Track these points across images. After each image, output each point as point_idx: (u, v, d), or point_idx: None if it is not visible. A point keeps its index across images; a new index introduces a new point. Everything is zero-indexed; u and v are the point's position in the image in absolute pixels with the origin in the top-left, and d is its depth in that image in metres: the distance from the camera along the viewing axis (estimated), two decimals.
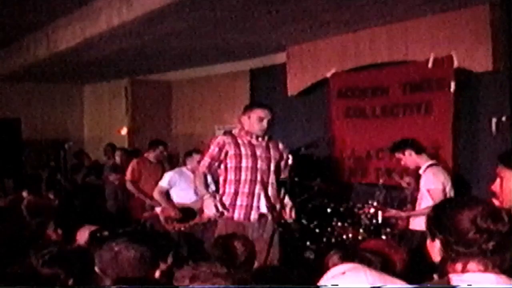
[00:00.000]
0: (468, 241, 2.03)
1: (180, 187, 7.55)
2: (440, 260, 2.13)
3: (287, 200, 5.47)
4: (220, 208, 5.19)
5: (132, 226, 8.18)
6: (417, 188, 6.28)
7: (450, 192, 6.02)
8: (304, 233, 7.66)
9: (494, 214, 2.06)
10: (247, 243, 3.99)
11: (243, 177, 5.28)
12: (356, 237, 7.03)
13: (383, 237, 6.67)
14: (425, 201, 5.97)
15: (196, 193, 7.35)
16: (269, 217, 5.29)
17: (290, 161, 5.41)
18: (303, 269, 6.43)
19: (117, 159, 10.64)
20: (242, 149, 5.30)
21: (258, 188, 5.28)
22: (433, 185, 5.95)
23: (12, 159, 12.29)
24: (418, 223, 5.78)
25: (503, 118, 6.72)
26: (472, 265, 2.04)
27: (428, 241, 2.19)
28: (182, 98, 13.09)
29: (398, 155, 6.32)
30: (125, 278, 2.91)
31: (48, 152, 12.83)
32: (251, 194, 5.27)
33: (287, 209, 5.42)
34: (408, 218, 6.31)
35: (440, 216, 2.16)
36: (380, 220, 6.82)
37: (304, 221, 7.67)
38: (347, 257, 3.01)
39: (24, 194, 7.43)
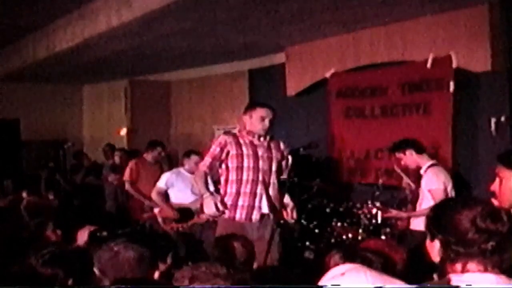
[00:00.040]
0: (467, 241, 2.03)
1: (177, 187, 7.55)
2: (439, 260, 2.13)
3: (288, 200, 5.46)
4: (221, 207, 5.17)
5: (131, 226, 8.17)
6: (417, 188, 6.25)
7: (451, 192, 5.98)
8: (303, 233, 7.66)
9: (493, 214, 2.06)
10: (247, 243, 3.98)
11: (244, 177, 5.26)
12: (355, 237, 7.03)
13: (383, 237, 6.66)
14: (426, 202, 5.94)
15: (194, 193, 7.38)
16: (271, 217, 5.28)
17: (289, 161, 5.41)
18: (303, 269, 6.45)
19: (117, 159, 10.64)
20: (244, 149, 5.29)
21: (259, 188, 5.27)
22: (434, 185, 5.91)
23: (11, 159, 12.31)
24: (419, 224, 5.76)
25: (502, 118, 6.72)
26: (471, 265, 2.04)
27: (428, 241, 2.19)
28: (181, 99, 13.10)
29: (399, 155, 6.28)
30: (124, 279, 2.91)
31: (47, 153, 12.82)
32: (253, 194, 5.25)
33: (289, 210, 5.41)
34: (408, 218, 6.29)
35: (439, 216, 2.16)
36: (379, 220, 6.81)
37: (303, 221, 7.67)
38: (348, 257, 3.01)
39: (24, 194, 7.44)
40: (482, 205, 2.09)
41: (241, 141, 5.34)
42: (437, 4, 6.93)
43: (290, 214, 5.42)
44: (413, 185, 6.49)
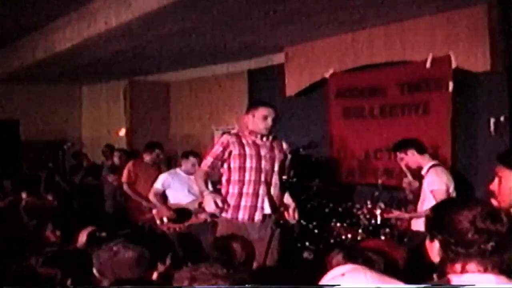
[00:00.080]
0: (467, 241, 2.03)
1: (174, 188, 7.56)
2: (439, 261, 2.13)
3: (290, 200, 5.44)
4: (220, 204, 5.10)
5: (130, 227, 8.17)
6: (418, 188, 6.22)
7: (453, 193, 5.93)
8: (303, 234, 7.66)
9: (493, 214, 2.06)
10: (246, 244, 3.98)
11: (247, 177, 5.23)
12: (355, 237, 7.03)
13: (382, 237, 6.66)
14: (428, 202, 5.88)
15: (191, 193, 7.38)
16: (273, 218, 5.26)
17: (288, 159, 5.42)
18: (302, 270, 6.45)
19: (116, 160, 10.63)
20: (247, 149, 5.26)
21: (262, 188, 5.25)
22: (436, 186, 5.86)
23: (11, 160, 12.30)
24: (420, 224, 5.73)
25: (502, 118, 6.72)
26: (471, 265, 2.04)
27: (427, 242, 2.19)
28: (180, 99, 13.09)
29: (400, 154, 6.24)
30: (123, 280, 2.91)
31: (46, 153, 12.82)
32: (255, 194, 5.23)
33: (290, 210, 5.37)
34: (410, 219, 6.25)
35: (439, 216, 2.16)
36: (379, 221, 6.80)
37: (303, 222, 7.66)
38: (350, 256, 3.00)
39: (23, 195, 7.43)
40: (481, 206, 2.09)
41: (244, 141, 5.31)
42: (436, 4, 6.94)
43: (291, 215, 5.39)
44: (415, 183, 6.44)
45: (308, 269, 6.70)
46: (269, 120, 5.27)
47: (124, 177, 8.61)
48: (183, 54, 10.14)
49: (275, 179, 5.33)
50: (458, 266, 2.06)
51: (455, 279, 2.04)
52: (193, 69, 12.05)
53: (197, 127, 12.49)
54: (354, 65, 8.49)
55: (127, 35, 8.07)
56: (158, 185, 7.59)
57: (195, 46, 9.44)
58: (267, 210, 5.25)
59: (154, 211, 7.57)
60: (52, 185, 10.54)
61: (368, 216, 6.95)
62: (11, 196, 7.92)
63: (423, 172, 6.06)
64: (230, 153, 5.27)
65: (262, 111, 5.30)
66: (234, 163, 5.26)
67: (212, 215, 6.73)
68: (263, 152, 5.29)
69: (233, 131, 5.64)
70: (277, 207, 5.31)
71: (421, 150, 6.14)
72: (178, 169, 7.74)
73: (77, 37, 8.54)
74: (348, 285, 2.09)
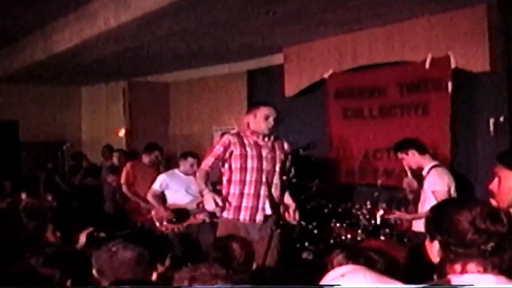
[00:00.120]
0: (467, 242, 2.03)
1: (172, 189, 7.56)
2: (439, 261, 2.13)
3: (290, 201, 5.43)
4: (220, 203, 5.09)
5: (130, 228, 8.17)
6: (419, 189, 6.20)
7: (454, 194, 5.91)
8: (302, 234, 7.65)
9: (493, 215, 2.06)
10: (245, 244, 3.98)
11: (248, 178, 5.23)
12: (354, 238, 7.03)
13: (382, 238, 6.65)
14: (429, 203, 5.83)
15: (189, 194, 7.39)
16: (273, 218, 5.25)
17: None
18: (301, 270, 6.45)
19: (115, 160, 10.63)
20: (248, 149, 5.25)
21: (263, 189, 5.24)
22: (438, 187, 5.83)
23: (10, 161, 12.30)
24: (421, 225, 5.70)
25: (501, 119, 6.72)
26: (471, 266, 2.04)
27: (427, 242, 2.19)
28: (180, 100, 13.09)
29: (401, 155, 6.22)
30: (123, 280, 2.90)
31: (46, 154, 12.82)
32: (257, 195, 5.22)
33: (291, 211, 5.37)
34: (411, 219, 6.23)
35: (438, 217, 2.16)
36: (378, 221, 6.80)
37: (302, 222, 7.66)
38: (352, 257, 3.00)
39: (23, 196, 7.43)
40: (481, 206, 2.09)
41: (246, 141, 5.30)
42: (435, 5, 6.93)
43: (292, 216, 5.39)
44: (414, 183, 6.42)
45: (307, 270, 6.70)
46: (271, 120, 5.27)
47: (123, 179, 8.62)
48: (183, 54, 10.13)
49: (276, 179, 5.32)
50: (458, 267, 2.06)
51: (455, 279, 2.04)
52: (192, 70, 12.05)
53: (197, 128, 12.49)
54: (353, 65, 8.48)
55: (127, 35, 8.07)
56: (156, 186, 7.60)
57: (194, 47, 9.44)
58: (268, 210, 5.24)
59: (152, 212, 7.58)
60: (52, 186, 10.54)
61: (367, 217, 6.95)
62: (11, 198, 7.92)
63: (424, 173, 6.04)
64: (231, 153, 5.26)
65: (263, 111, 5.29)
66: (236, 164, 5.25)
67: (212, 216, 6.75)
68: (264, 152, 5.29)
69: (232, 131, 5.63)
70: (278, 207, 5.31)
71: (422, 151, 6.12)
72: (176, 170, 7.74)
73: (77, 38, 8.54)
74: (347, 286, 2.09)
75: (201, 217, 7.25)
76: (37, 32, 9.72)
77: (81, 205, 10.47)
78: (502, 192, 3.10)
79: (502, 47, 6.80)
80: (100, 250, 3.12)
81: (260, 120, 5.28)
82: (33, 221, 5.02)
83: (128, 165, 8.77)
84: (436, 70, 7.25)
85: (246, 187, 5.23)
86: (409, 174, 6.42)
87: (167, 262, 3.50)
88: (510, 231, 2.05)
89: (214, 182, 5.83)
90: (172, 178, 7.60)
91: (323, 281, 2.22)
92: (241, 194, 5.23)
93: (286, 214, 5.37)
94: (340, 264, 2.78)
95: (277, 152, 5.35)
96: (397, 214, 6.40)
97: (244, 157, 5.24)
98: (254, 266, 4.01)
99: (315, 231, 7.67)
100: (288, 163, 5.45)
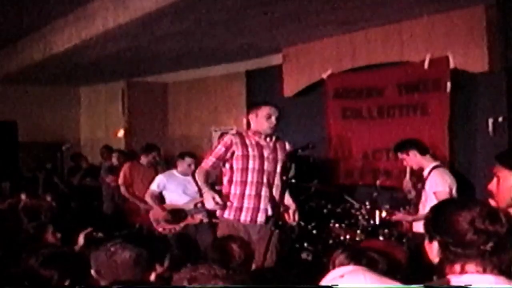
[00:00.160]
0: (466, 242, 2.03)
1: (169, 189, 7.57)
2: (438, 262, 2.13)
3: (290, 202, 5.41)
4: (220, 201, 5.06)
5: (128, 229, 8.17)
6: (420, 190, 6.18)
7: (455, 194, 5.89)
8: (301, 234, 7.65)
9: (492, 215, 2.06)
10: (244, 244, 3.98)
11: (249, 179, 5.21)
12: (353, 238, 7.02)
13: (381, 238, 6.65)
14: (430, 204, 5.83)
15: (186, 194, 7.39)
16: (273, 219, 5.22)
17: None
18: (300, 270, 6.45)
19: (114, 160, 10.63)
20: (250, 150, 5.23)
21: (264, 190, 5.22)
22: (440, 188, 5.82)
23: (9, 161, 12.27)
24: (421, 226, 5.66)
25: (500, 119, 6.72)
26: (470, 266, 2.04)
27: (426, 242, 2.19)
28: (178, 100, 13.08)
29: (402, 155, 6.21)
30: (121, 281, 2.90)
31: (45, 155, 12.80)
32: (258, 196, 5.20)
33: (291, 212, 5.35)
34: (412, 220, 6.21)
35: (438, 217, 2.16)
36: (377, 221, 6.79)
37: (301, 223, 7.65)
38: (354, 257, 3.00)
39: (23, 196, 7.43)
40: (480, 206, 2.09)
41: (247, 141, 5.27)
42: (434, 5, 6.94)
43: (292, 217, 5.37)
44: (409, 183, 6.41)
45: (306, 270, 6.70)
46: (273, 119, 5.24)
47: (121, 180, 8.64)
48: (181, 55, 10.13)
49: (277, 180, 5.30)
50: (457, 267, 2.06)
51: (454, 279, 2.04)
52: (191, 70, 12.04)
53: (195, 128, 12.49)
54: (352, 65, 8.48)
55: (125, 36, 8.07)
56: (154, 186, 7.61)
57: (193, 47, 9.44)
58: (269, 211, 5.23)
59: (150, 213, 7.58)
60: (51, 187, 10.53)
61: (366, 217, 6.95)
62: (10, 199, 7.91)
63: (425, 174, 6.02)
64: (233, 153, 5.24)
65: (265, 110, 5.26)
66: (237, 164, 5.23)
67: (211, 216, 6.74)
68: (266, 153, 5.26)
69: (231, 132, 5.61)
70: (278, 208, 5.28)
71: (423, 151, 6.11)
72: (174, 171, 7.75)
73: (75, 38, 8.54)
74: (347, 286, 2.09)
75: (198, 217, 7.25)
76: (36, 33, 9.72)
77: (80, 205, 10.47)
78: (501, 192, 3.09)
79: (500, 48, 6.80)
80: (98, 251, 3.12)
81: (262, 119, 5.25)
82: (32, 222, 5.02)
83: (126, 166, 8.78)
84: (434, 70, 7.25)
85: (248, 188, 5.20)
86: (407, 174, 6.42)
87: (166, 263, 3.50)
88: (509, 231, 2.05)
89: (212, 183, 5.82)
90: (170, 179, 7.60)
91: (323, 282, 2.22)
92: (242, 195, 5.21)
93: (286, 215, 5.36)
94: (341, 264, 2.79)
95: (279, 153, 5.33)
96: (399, 215, 6.37)
97: (245, 157, 5.21)
98: (254, 266, 4.01)
99: (314, 232, 7.66)
100: (288, 164, 5.43)
